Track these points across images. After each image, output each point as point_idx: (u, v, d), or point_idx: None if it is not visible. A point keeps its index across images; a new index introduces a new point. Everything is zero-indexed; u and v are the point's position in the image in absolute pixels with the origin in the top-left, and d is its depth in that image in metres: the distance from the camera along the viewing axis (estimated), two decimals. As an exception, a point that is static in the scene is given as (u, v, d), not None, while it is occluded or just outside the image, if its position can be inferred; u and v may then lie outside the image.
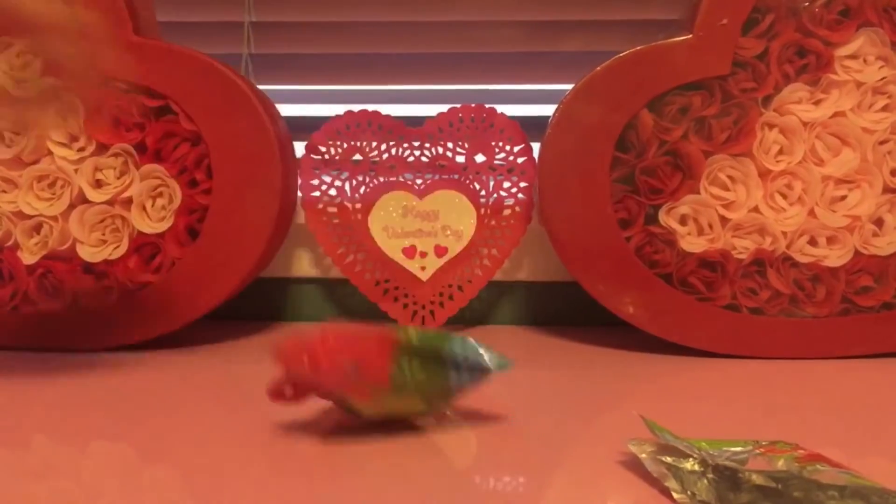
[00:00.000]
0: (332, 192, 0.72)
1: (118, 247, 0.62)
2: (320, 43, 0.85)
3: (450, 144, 0.72)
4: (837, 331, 0.61)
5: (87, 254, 0.62)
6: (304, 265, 0.77)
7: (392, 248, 0.71)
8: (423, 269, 0.71)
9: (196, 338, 0.66)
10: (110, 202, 0.62)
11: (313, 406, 0.43)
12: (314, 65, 0.86)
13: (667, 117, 0.61)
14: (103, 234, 0.63)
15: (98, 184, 0.63)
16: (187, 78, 0.61)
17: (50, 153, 0.62)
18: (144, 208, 0.63)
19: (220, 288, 0.62)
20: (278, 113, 0.68)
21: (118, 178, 0.62)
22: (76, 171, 0.62)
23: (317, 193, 0.72)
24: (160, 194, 0.63)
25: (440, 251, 0.71)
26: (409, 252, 0.71)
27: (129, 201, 0.62)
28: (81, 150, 0.62)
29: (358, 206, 0.72)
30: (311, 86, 0.88)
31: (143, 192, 0.62)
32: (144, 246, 0.63)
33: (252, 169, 0.62)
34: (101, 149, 0.62)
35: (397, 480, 0.34)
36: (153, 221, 0.62)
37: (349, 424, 0.40)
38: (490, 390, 0.51)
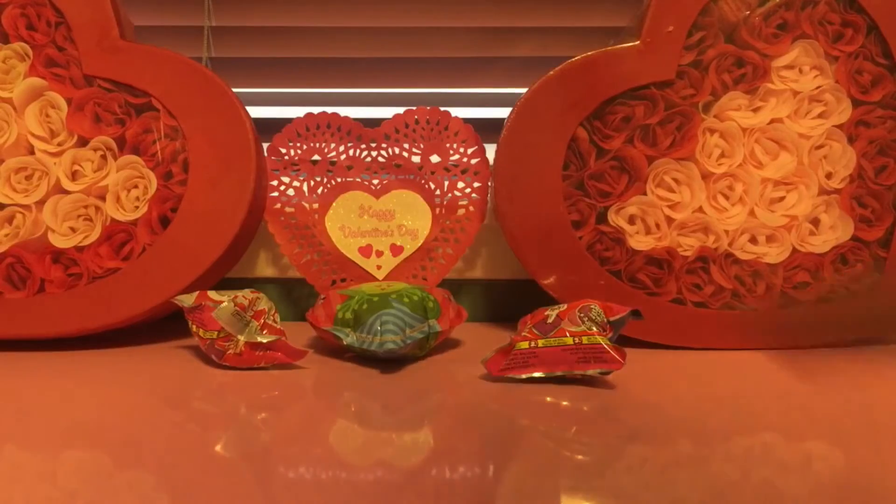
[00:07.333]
0: (291, 192, 0.73)
1: (88, 235, 0.62)
2: (279, 47, 0.86)
3: (406, 145, 0.73)
4: (776, 324, 0.64)
5: (59, 241, 0.62)
6: (261, 265, 0.77)
7: (348, 247, 0.72)
8: (378, 267, 0.72)
9: (160, 336, 0.66)
10: (86, 192, 0.63)
11: (291, 405, 0.44)
12: (273, 68, 0.87)
13: (610, 125, 0.63)
14: (76, 223, 0.63)
15: (75, 175, 0.63)
16: (170, 77, 0.63)
17: (30, 149, 0.63)
18: (119, 198, 0.63)
19: (187, 274, 0.62)
20: (248, 114, 0.69)
21: (95, 172, 0.63)
22: (55, 163, 0.63)
23: (275, 194, 0.72)
24: (135, 185, 0.63)
25: (396, 250, 0.72)
26: (366, 251, 0.72)
27: (104, 190, 0.63)
28: (61, 144, 0.63)
29: (315, 206, 0.73)
30: (271, 89, 0.89)
31: (119, 182, 0.63)
32: (117, 234, 0.63)
33: (229, 159, 0.63)
34: (82, 142, 0.63)
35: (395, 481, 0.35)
36: (127, 211, 0.63)
37: (329, 423, 0.41)
38: (464, 391, 0.52)
